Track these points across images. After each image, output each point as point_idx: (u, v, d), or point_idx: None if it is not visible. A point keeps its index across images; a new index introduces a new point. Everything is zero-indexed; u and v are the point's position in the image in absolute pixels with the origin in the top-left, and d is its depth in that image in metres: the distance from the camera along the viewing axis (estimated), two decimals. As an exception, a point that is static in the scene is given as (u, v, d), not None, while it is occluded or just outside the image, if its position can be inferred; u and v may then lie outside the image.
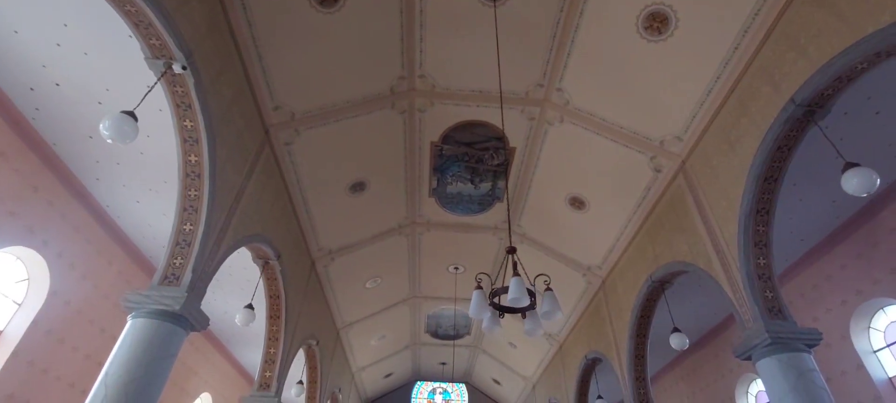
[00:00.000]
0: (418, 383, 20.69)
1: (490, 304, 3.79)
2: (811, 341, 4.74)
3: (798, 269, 8.61)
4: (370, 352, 14.97)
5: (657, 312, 8.09)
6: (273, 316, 7.95)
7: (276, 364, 7.90)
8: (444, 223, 10.20)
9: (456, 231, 10.42)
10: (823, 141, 6.00)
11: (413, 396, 20.50)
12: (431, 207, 9.76)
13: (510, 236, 4.64)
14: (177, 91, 4.69)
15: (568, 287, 10.52)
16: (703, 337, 11.43)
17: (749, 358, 5.03)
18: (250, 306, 6.81)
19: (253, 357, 13.59)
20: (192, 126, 4.89)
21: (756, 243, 5.23)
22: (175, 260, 4.87)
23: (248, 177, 6.06)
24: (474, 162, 8.62)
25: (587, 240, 9.12)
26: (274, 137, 6.67)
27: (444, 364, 18.28)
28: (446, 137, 8.14)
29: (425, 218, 10.08)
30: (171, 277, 4.80)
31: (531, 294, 3.79)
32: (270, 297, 7.86)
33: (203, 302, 10.25)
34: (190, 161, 4.98)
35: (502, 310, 3.78)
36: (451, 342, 16.24)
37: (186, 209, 5.02)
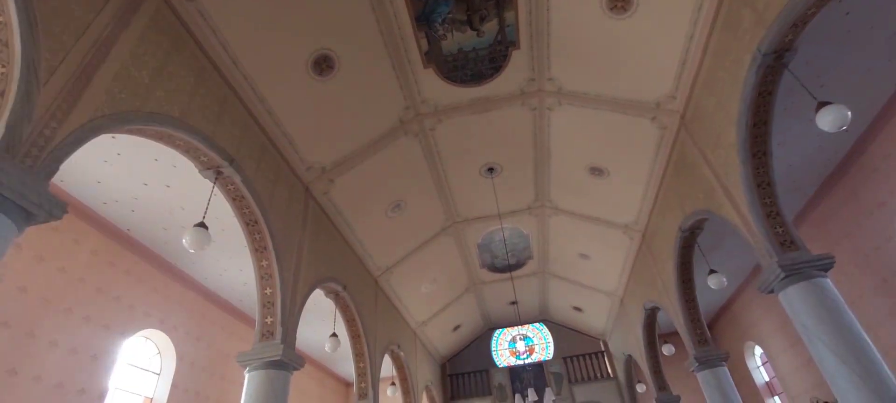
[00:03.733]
0: (496, 332, 18.82)
1: None
2: None
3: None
4: (425, 302, 13.20)
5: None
6: (258, 249, 6.25)
7: (276, 307, 6.21)
8: (455, 104, 8.00)
9: (473, 112, 8.18)
10: None
11: (493, 348, 18.67)
12: (433, 83, 7.57)
13: None
14: None
15: (636, 145, 7.98)
16: (832, 176, 8.36)
17: None
18: (203, 224, 5.04)
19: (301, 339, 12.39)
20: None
21: None
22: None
23: (120, 26, 4.17)
24: (466, -11, 6.33)
25: (645, 63, 6.56)
26: (170, -9, 4.80)
27: (514, 303, 16.20)
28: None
29: (431, 103, 7.92)
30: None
31: None
32: (246, 224, 6.14)
33: (231, 282, 9.97)
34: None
35: None
36: (514, 274, 14.10)
37: (-10, 51, 3.24)
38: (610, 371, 16.31)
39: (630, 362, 14.44)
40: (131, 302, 8.20)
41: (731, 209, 6.16)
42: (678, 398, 11.56)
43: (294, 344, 6.29)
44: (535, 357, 18.08)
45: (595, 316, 15.40)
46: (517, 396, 8.80)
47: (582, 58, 6.98)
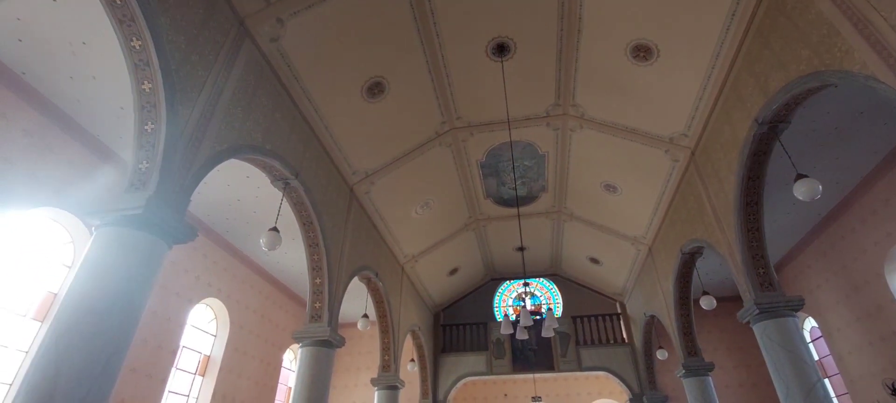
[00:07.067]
0: (503, 285, 16.90)
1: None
2: None
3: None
4: (416, 231, 11.25)
5: None
6: (138, 64, 4.25)
7: (156, 150, 4.25)
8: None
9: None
10: None
11: (496, 303, 16.80)
12: None
13: None
14: None
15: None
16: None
17: None
18: None
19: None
20: None
21: None
22: None
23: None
24: None
25: None
26: None
27: (521, 249, 14.15)
28: None
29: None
30: None
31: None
32: (128, 44, 4.12)
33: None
34: None
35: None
36: (523, 210, 11.99)
37: None
38: (624, 335, 14.28)
39: (651, 325, 12.37)
40: (33, 170, 6.43)
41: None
42: (711, 365, 9.48)
43: (183, 211, 4.35)
44: (542, 317, 16.20)
45: (614, 271, 13.28)
46: (505, 320, 6.81)
47: None
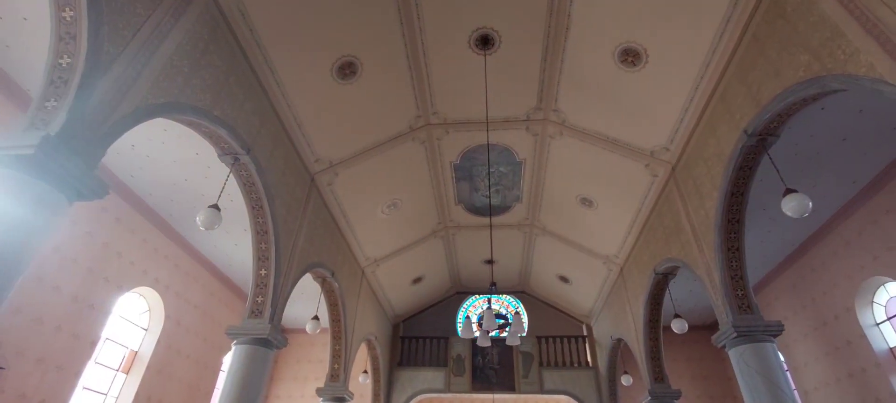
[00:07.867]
0: (468, 299, 16.27)
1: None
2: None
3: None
4: (382, 233, 10.59)
5: None
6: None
7: (68, 83, 3.55)
8: None
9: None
10: None
11: (459, 318, 16.16)
12: None
13: None
14: None
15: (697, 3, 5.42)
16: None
17: None
18: None
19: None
20: None
21: None
22: None
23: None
24: None
25: None
26: None
27: (490, 262, 13.66)
28: None
29: None
30: None
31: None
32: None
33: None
34: None
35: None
36: (495, 220, 11.52)
37: None
38: (589, 359, 13.90)
39: (617, 349, 12.02)
40: None
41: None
42: (678, 392, 9.14)
43: (94, 164, 3.64)
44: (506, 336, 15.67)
45: (583, 291, 12.93)
46: (466, 324, 6.25)
47: None
